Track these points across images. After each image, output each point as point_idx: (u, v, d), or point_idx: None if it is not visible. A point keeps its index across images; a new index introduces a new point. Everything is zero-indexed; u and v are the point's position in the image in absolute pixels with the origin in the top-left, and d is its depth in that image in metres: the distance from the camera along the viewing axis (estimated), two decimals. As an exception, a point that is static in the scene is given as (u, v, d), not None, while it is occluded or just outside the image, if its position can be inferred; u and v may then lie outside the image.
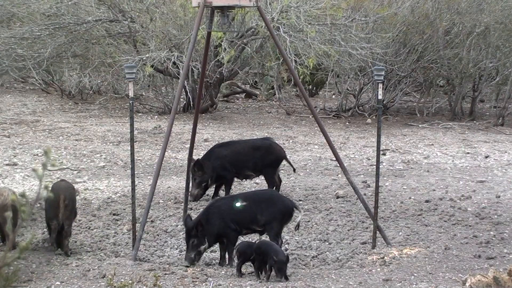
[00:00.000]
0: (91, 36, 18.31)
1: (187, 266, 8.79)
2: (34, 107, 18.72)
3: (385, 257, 9.00)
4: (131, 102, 9.07)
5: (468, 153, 15.09)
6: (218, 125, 17.49)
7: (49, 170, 13.38)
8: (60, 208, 9.07)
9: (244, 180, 12.08)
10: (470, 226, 10.30)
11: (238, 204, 8.99)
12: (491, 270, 7.96)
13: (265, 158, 11.66)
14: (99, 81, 20.01)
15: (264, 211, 9.01)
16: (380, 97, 9.39)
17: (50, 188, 9.55)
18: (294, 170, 12.14)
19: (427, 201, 11.42)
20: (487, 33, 18.65)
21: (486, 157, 14.73)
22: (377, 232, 9.44)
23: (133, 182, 9.14)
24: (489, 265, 8.72)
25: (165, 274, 8.44)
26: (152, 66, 17.30)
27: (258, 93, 21.03)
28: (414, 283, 8.22)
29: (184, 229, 9.15)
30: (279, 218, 9.06)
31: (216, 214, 9.01)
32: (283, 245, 9.63)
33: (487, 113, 19.65)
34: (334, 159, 10.42)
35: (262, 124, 17.79)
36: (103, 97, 19.63)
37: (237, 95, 21.13)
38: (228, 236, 9.00)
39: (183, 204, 10.81)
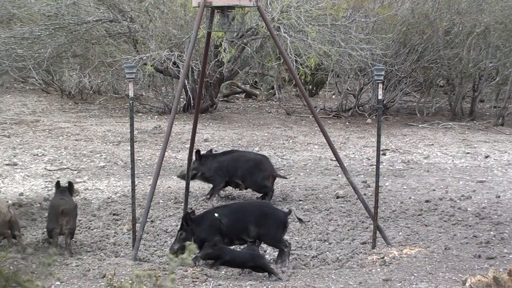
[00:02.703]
0: (91, 36, 18.30)
1: (170, 257, 8.87)
2: (34, 107, 18.73)
3: (385, 257, 9.00)
4: (131, 102, 9.07)
5: (468, 153, 15.09)
6: (218, 125, 17.49)
7: (49, 170, 13.37)
8: (63, 226, 9.23)
9: (238, 189, 12.02)
10: (470, 226, 10.30)
11: (216, 215, 9.04)
12: (491, 270, 7.95)
13: (254, 172, 11.63)
14: (99, 81, 20.02)
15: (258, 224, 9.00)
16: (380, 97, 9.39)
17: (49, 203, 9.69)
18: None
19: (427, 201, 11.42)
20: (487, 33, 18.65)
21: (486, 157, 14.73)
22: (377, 232, 9.44)
23: (133, 182, 9.14)
24: (489, 265, 8.72)
25: (165, 274, 8.44)
26: (152, 66, 17.30)
27: (258, 93, 21.03)
28: (414, 283, 8.22)
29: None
30: (274, 230, 9.04)
31: (209, 221, 9.04)
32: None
33: (487, 113, 19.65)
34: (334, 159, 10.42)
35: (262, 124, 17.78)
36: (103, 97, 19.63)
37: (237, 95, 21.13)
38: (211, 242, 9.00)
39: (183, 204, 10.81)
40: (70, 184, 9.78)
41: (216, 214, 9.00)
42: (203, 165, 11.65)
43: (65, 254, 9.15)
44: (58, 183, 9.79)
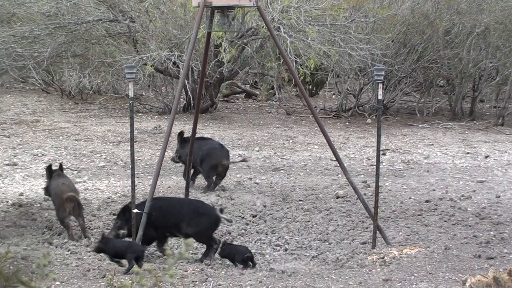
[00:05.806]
0: (91, 36, 18.28)
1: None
2: (34, 107, 18.73)
3: (385, 257, 9.00)
4: (131, 102, 9.08)
5: (468, 153, 15.09)
6: (218, 125, 17.49)
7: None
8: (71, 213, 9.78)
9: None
10: (470, 226, 10.30)
11: (135, 210, 9.19)
12: (491, 270, 7.96)
13: (203, 158, 11.86)
14: (99, 81, 20.01)
15: (191, 221, 9.18)
16: (380, 97, 9.39)
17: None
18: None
19: (427, 201, 11.42)
20: (487, 33, 18.65)
21: (486, 157, 14.72)
22: (377, 232, 9.44)
23: (133, 182, 9.15)
24: (489, 265, 8.73)
25: (165, 274, 8.42)
26: (152, 66, 17.29)
27: (258, 93, 21.03)
28: (414, 283, 8.22)
29: None
30: (206, 227, 9.23)
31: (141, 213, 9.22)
32: (281, 245, 9.66)
33: (487, 113, 19.65)
34: (334, 159, 10.42)
35: (262, 124, 17.79)
36: (103, 97, 19.62)
37: (237, 95, 21.12)
38: (144, 236, 9.06)
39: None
40: (61, 165, 10.35)
41: (135, 210, 9.09)
42: (183, 149, 11.83)
43: (81, 234, 9.49)
44: (50, 166, 10.12)
